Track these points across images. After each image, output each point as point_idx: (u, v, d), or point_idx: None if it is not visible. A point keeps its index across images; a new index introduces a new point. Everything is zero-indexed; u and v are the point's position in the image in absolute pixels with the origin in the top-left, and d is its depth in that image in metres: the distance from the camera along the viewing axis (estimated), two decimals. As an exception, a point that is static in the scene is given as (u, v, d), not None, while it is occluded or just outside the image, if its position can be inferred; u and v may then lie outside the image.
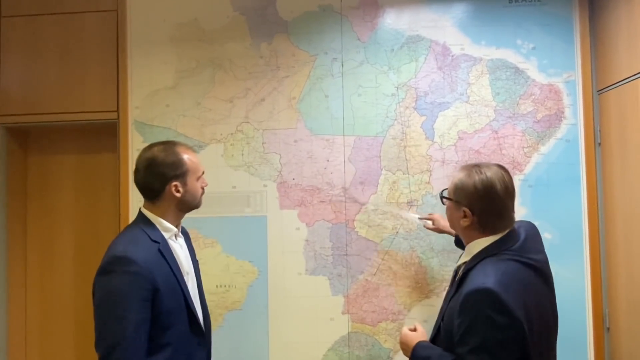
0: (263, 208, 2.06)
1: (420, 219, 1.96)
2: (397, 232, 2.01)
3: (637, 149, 1.71)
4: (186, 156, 1.45)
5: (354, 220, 2.02)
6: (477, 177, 1.28)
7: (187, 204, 1.48)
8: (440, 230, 1.86)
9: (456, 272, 1.40)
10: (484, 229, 1.30)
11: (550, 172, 1.96)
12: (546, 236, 1.94)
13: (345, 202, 2.03)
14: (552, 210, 1.95)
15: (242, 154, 2.08)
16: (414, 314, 1.98)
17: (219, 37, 2.11)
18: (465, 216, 1.30)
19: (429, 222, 1.90)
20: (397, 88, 2.04)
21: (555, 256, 1.91)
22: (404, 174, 2.01)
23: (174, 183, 1.42)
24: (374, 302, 2.00)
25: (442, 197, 1.40)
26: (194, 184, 1.47)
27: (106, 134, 2.21)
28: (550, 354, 1.31)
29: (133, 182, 1.49)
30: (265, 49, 2.09)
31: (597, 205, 1.94)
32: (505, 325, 1.15)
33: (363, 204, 2.02)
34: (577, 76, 1.98)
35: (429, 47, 2.03)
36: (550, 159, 1.97)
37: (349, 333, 2.00)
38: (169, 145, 1.46)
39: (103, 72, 2.15)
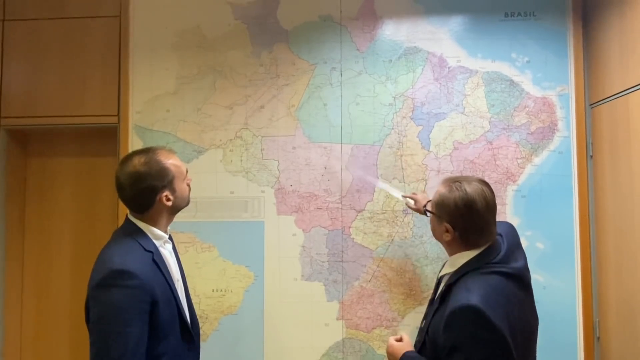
0: (260, 213, 2.09)
1: (403, 196, 1.96)
2: (392, 240, 2.03)
3: (628, 162, 1.75)
4: (169, 162, 1.42)
5: (350, 227, 2.05)
6: (457, 194, 1.29)
7: (179, 207, 1.48)
8: (421, 212, 1.85)
9: (439, 281, 1.43)
10: (466, 244, 1.32)
11: (543, 183, 2.00)
12: (538, 246, 1.98)
13: (341, 209, 2.06)
14: (544, 220, 1.98)
15: (241, 160, 2.11)
16: (408, 320, 2.00)
17: (220, 45, 2.14)
18: (447, 231, 1.33)
19: (411, 202, 1.88)
20: (395, 98, 2.07)
21: (547, 265, 1.97)
22: (400, 182, 2.04)
23: (164, 193, 1.40)
24: (368, 308, 2.02)
25: (425, 210, 1.42)
26: (181, 187, 1.46)
27: (106, 138, 2.22)
28: (532, 355, 1.34)
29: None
30: (265, 57, 2.13)
31: (589, 216, 1.98)
32: (489, 340, 1.18)
33: (359, 211, 2.05)
34: (570, 90, 2.02)
35: (426, 58, 2.07)
36: (543, 170, 2.01)
37: (343, 339, 2.02)
38: (149, 154, 1.41)
39: (104, 77, 2.17)
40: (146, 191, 1.38)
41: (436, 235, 1.41)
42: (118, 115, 2.16)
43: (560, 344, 1.94)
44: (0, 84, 2.21)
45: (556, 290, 1.95)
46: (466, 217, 1.29)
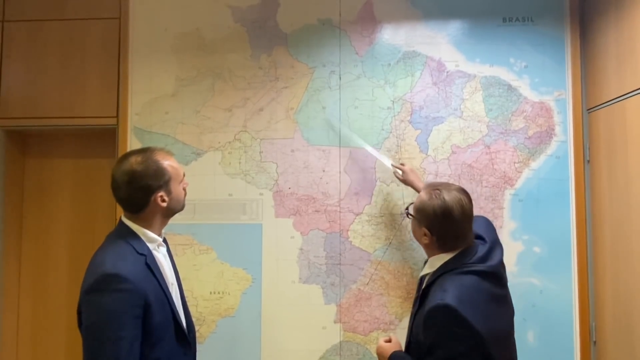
0: (259, 216, 2.09)
1: (392, 165, 1.97)
2: (390, 243, 2.04)
3: (625, 167, 1.76)
4: (166, 162, 1.41)
5: (348, 230, 2.05)
6: (436, 202, 1.35)
7: (173, 210, 1.45)
8: (407, 183, 1.91)
9: (421, 281, 1.49)
10: (443, 248, 1.38)
11: (540, 187, 2.01)
12: (535, 250, 1.99)
13: (339, 212, 2.06)
14: (541, 224, 1.99)
15: (240, 162, 2.11)
16: (405, 323, 2.00)
17: (219, 48, 2.15)
18: (425, 235, 1.39)
19: (399, 172, 1.93)
20: (393, 102, 2.08)
21: (543, 270, 1.98)
22: (397, 185, 2.04)
23: (159, 194, 1.38)
24: (366, 311, 2.02)
25: (407, 213, 1.47)
26: (177, 190, 1.43)
27: (105, 139, 2.23)
28: (510, 350, 1.39)
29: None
30: (264, 60, 2.13)
31: (585, 220, 1.99)
32: (465, 337, 1.24)
33: (357, 214, 2.06)
34: (568, 95, 2.03)
35: (425, 62, 2.08)
36: (541, 174, 2.01)
37: (340, 342, 2.02)
38: (147, 154, 1.40)
39: (104, 78, 2.18)
40: (141, 190, 1.36)
41: (416, 237, 1.48)
42: (117, 116, 2.16)
43: (556, 347, 1.94)
44: (0, 85, 2.21)
45: (553, 294, 1.96)
46: (443, 224, 1.35)
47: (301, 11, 2.13)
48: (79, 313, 1.33)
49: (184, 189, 1.48)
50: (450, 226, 1.35)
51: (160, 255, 1.43)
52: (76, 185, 2.34)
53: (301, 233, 2.07)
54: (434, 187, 1.40)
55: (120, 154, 2.11)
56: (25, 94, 2.21)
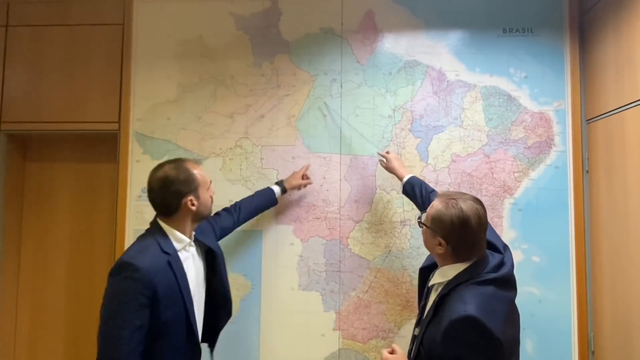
0: (259, 223, 2.09)
1: (378, 153, 2.02)
2: (389, 251, 2.04)
3: (623, 177, 1.77)
4: (196, 171, 1.56)
5: (347, 238, 2.06)
6: (453, 212, 1.34)
7: (201, 214, 1.59)
8: (389, 170, 1.95)
9: (429, 289, 1.47)
10: (457, 257, 1.37)
11: (539, 196, 2.02)
12: (534, 259, 1.99)
13: (339, 219, 2.07)
14: (540, 234, 2.00)
15: (240, 169, 2.12)
16: (404, 332, 2.00)
17: (222, 55, 2.16)
18: (440, 244, 1.37)
19: (384, 160, 1.96)
20: (394, 110, 2.10)
21: (542, 279, 1.98)
22: (398, 193, 2.05)
23: (189, 198, 1.51)
24: (365, 319, 2.02)
25: (419, 223, 1.45)
26: (205, 196, 1.58)
27: (106, 144, 2.24)
28: (518, 353, 1.39)
29: (148, 199, 1.53)
30: (266, 68, 2.15)
31: (584, 230, 2.00)
32: (488, 347, 1.23)
33: (357, 222, 2.06)
34: (567, 105, 2.05)
35: (426, 72, 2.10)
36: (540, 184, 2.03)
37: (339, 349, 2.02)
38: (179, 163, 1.55)
39: (106, 84, 2.19)
40: (173, 194, 1.50)
41: (428, 246, 1.46)
42: (119, 122, 2.17)
43: (555, 357, 1.94)
44: (2, 89, 2.22)
45: (551, 304, 1.96)
46: (460, 234, 1.34)
47: (303, 20, 2.15)
48: None
49: (211, 197, 1.62)
50: (467, 236, 1.34)
51: (189, 255, 1.56)
52: (77, 190, 2.35)
53: (301, 240, 2.07)
54: (449, 197, 1.38)
55: (122, 158, 2.13)
56: (27, 98, 2.22)
